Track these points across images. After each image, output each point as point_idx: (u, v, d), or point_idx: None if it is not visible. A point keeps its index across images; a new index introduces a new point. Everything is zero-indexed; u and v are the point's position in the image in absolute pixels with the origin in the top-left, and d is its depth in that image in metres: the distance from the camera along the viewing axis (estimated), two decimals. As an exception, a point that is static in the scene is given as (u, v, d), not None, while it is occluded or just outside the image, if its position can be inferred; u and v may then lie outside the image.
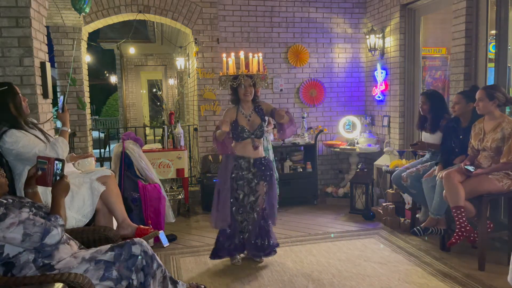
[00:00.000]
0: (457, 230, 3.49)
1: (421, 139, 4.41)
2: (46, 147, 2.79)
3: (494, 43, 4.16)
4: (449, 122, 4.02)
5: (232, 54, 3.62)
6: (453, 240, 3.51)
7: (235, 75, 3.53)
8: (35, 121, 3.16)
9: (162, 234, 4.21)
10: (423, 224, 3.90)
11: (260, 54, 3.63)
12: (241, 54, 3.60)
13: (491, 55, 4.21)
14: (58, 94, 5.47)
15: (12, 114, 2.82)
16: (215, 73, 5.70)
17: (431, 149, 4.25)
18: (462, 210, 3.46)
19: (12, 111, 2.82)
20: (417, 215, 4.43)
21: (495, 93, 3.47)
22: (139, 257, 2.33)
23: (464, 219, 3.46)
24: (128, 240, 2.38)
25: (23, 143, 2.75)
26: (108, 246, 2.34)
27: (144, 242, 2.42)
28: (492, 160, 3.52)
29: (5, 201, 2.16)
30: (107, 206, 3.14)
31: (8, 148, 2.75)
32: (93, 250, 2.33)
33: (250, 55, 3.60)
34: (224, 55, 3.65)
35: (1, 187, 2.23)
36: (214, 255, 3.70)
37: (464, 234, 3.47)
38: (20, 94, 2.91)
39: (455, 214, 3.47)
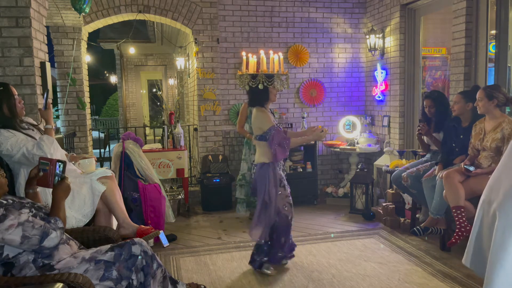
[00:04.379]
0: (457, 230, 3.48)
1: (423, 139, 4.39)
2: (33, 146, 2.78)
3: (494, 43, 4.16)
4: (449, 121, 4.02)
5: (250, 54, 3.51)
6: (453, 240, 3.51)
7: (269, 74, 3.38)
8: (34, 122, 3.16)
9: (162, 234, 4.22)
10: (423, 224, 3.90)
11: (281, 54, 3.51)
12: (262, 52, 3.42)
13: (491, 55, 4.21)
14: (58, 94, 5.48)
15: (5, 115, 2.82)
16: (215, 73, 5.70)
17: (432, 143, 4.24)
18: (462, 210, 3.46)
19: (5, 112, 2.82)
20: (417, 215, 4.43)
21: (495, 93, 3.46)
22: (139, 257, 2.33)
23: (464, 219, 3.46)
24: (128, 240, 2.38)
25: (11, 142, 2.75)
26: (108, 246, 2.33)
27: (144, 242, 2.42)
28: (492, 160, 3.52)
29: (5, 202, 2.15)
30: (108, 206, 3.14)
31: None
32: (93, 250, 2.33)
33: (271, 52, 3.48)
34: (244, 53, 3.52)
35: (1, 187, 2.23)
36: (275, 258, 3.54)
37: (464, 234, 3.46)
38: (16, 96, 2.90)
39: (455, 214, 3.47)
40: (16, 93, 2.92)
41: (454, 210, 3.49)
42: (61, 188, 2.36)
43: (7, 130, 2.79)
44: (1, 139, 2.75)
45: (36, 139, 2.87)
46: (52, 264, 2.18)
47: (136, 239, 2.40)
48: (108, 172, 3.25)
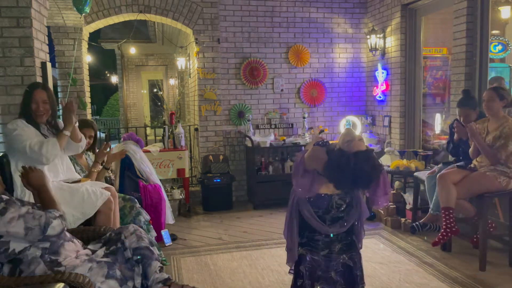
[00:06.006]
0: (442, 230, 3.53)
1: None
2: (37, 144, 2.80)
3: (495, 43, 4.15)
4: (455, 121, 4.00)
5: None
6: (437, 240, 3.54)
7: None
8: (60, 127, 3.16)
9: (166, 233, 4.24)
10: (422, 220, 3.91)
11: None
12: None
13: (492, 55, 4.20)
14: (59, 94, 5.48)
15: (32, 110, 2.91)
16: (216, 73, 5.70)
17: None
18: (451, 211, 3.50)
19: (32, 108, 2.91)
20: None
21: (504, 93, 3.49)
22: (139, 257, 2.38)
23: (452, 219, 3.48)
24: (120, 246, 2.41)
25: (18, 132, 2.82)
26: (102, 253, 2.37)
27: (143, 243, 2.45)
28: (494, 157, 3.51)
29: (5, 197, 2.20)
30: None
31: (5, 133, 2.88)
32: (89, 251, 2.39)
33: None
34: None
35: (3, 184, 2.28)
36: None
37: (450, 235, 3.50)
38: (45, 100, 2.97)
39: (444, 215, 3.51)
40: (45, 99, 2.96)
41: (443, 211, 3.52)
42: (35, 178, 2.39)
43: (22, 121, 2.88)
44: (13, 126, 2.84)
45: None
46: (60, 261, 2.22)
47: (127, 242, 2.43)
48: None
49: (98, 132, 3.91)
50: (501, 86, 3.70)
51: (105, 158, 3.67)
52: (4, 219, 2.06)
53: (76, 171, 3.42)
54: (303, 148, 5.82)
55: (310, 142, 2.80)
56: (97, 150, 3.73)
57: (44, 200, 2.35)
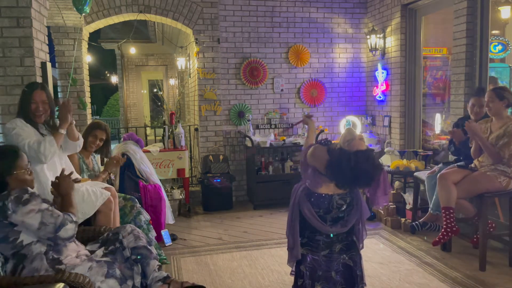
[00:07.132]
0: (443, 230, 3.53)
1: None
2: (36, 143, 2.78)
3: (495, 43, 4.15)
4: (459, 120, 4.00)
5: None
6: (437, 239, 3.54)
7: None
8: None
9: (166, 233, 4.24)
10: (421, 219, 3.91)
11: None
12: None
13: (492, 55, 4.20)
14: (59, 94, 5.48)
15: (31, 110, 2.90)
16: (216, 73, 5.70)
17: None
18: (452, 211, 3.49)
19: (32, 108, 2.90)
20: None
21: (505, 93, 3.48)
22: (138, 256, 2.39)
23: (452, 219, 3.49)
24: (118, 245, 2.43)
25: (17, 131, 2.81)
26: (101, 253, 2.40)
27: (141, 243, 2.46)
28: (496, 157, 3.51)
29: (31, 191, 2.26)
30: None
31: (4, 132, 2.87)
32: (88, 252, 2.41)
33: None
34: None
35: (28, 183, 2.32)
36: None
37: (450, 234, 3.50)
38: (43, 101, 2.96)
39: (444, 214, 3.51)
40: (45, 99, 2.94)
41: (443, 211, 3.52)
42: (64, 185, 2.45)
43: (21, 120, 2.87)
44: (12, 126, 2.84)
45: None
46: (61, 259, 2.26)
47: (125, 242, 2.47)
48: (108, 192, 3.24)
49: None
50: (503, 86, 3.67)
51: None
52: (24, 209, 2.14)
53: (82, 170, 3.44)
54: (303, 148, 5.82)
55: (302, 122, 2.78)
56: (108, 160, 3.75)
57: (65, 205, 2.41)
